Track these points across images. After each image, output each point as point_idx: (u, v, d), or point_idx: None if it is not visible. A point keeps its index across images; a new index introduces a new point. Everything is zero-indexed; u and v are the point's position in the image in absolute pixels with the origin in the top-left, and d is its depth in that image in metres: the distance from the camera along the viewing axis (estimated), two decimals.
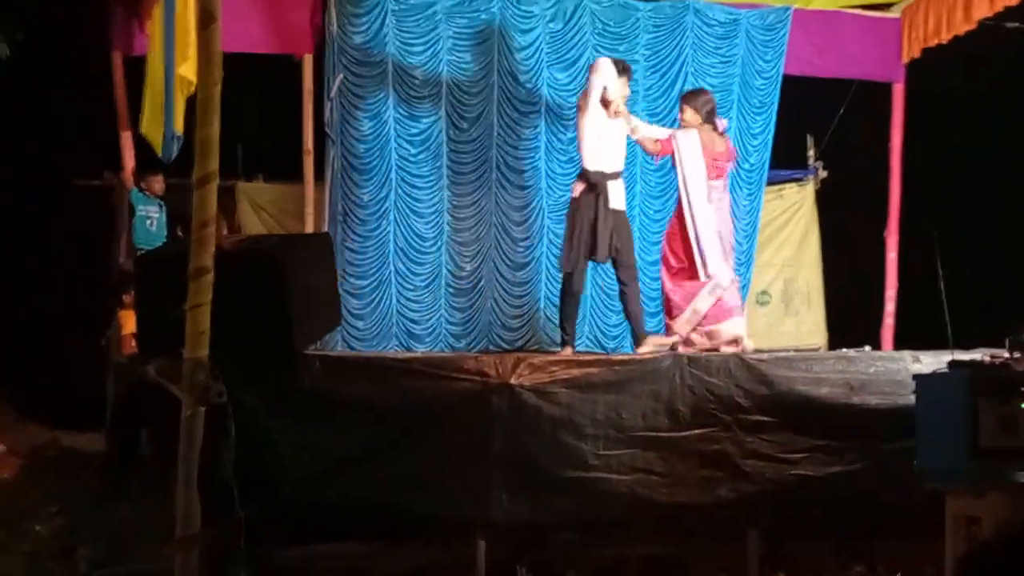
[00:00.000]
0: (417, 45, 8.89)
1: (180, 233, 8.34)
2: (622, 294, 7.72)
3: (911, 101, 9.82)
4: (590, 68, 7.75)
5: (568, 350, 7.42)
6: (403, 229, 8.97)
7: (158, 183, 8.74)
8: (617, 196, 7.53)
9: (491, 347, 9.00)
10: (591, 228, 7.40)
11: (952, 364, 5.23)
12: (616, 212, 7.51)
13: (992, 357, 5.19)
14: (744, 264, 9.65)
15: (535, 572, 5.75)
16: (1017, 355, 5.13)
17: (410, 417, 5.99)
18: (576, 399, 6.09)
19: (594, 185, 7.44)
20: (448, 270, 9.09)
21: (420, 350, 8.74)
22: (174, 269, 5.50)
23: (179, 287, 5.43)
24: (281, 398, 5.89)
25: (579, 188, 7.59)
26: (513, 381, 6.03)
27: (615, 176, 7.55)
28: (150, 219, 8.72)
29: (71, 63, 9.64)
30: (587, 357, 6.61)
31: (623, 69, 7.56)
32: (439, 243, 9.05)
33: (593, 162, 7.49)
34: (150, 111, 7.91)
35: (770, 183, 9.94)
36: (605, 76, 7.41)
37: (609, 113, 7.38)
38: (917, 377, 5.48)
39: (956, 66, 9.64)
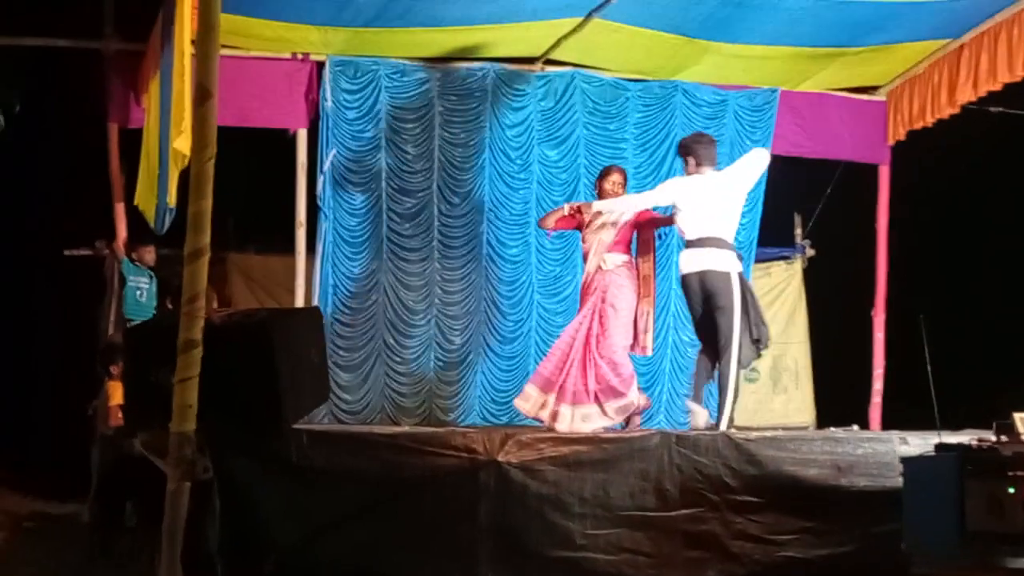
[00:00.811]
0: (410, 122, 9.00)
1: (170, 305, 8.36)
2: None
3: (896, 182, 9.94)
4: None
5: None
6: (393, 302, 9.01)
7: (149, 254, 8.78)
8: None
9: (480, 421, 8.99)
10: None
11: (939, 447, 5.24)
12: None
13: (979, 440, 5.21)
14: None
15: None
16: (1004, 438, 5.15)
17: (397, 493, 5.96)
18: (564, 477, 6.07)
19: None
20: (437, 343, 9.10)
21: (408, 423, 8.71)
22: (163, 342, 5.52)
23: (168, 360, 5.45)
24: (268, 472, 5.86)
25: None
26: (500, 458, 6.02)
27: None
28: (140, 290, 8.74)
29: (68, 134, 9.72)
30: (575, 434, 6.59)
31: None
32: (429, 316, 9.08)
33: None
34: (144, 183, 7.97)
35: (758, 261, 10.01)
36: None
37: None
38: (905, 460, 5.49)
39: (941, 149, 9.77)
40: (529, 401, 7.23)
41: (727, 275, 6.93)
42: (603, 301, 7.25)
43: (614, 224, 7.27)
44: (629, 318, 7.29)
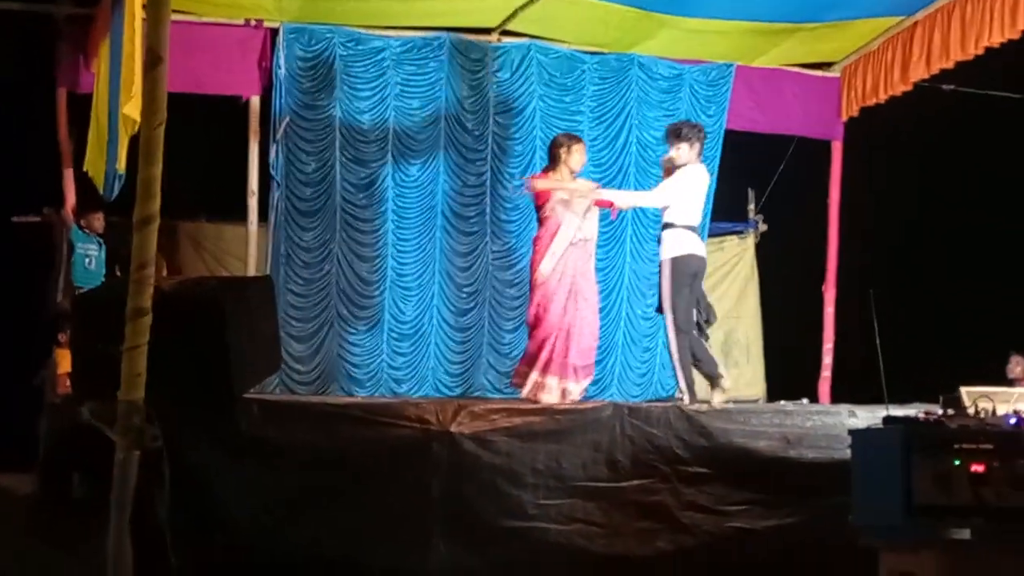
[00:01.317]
0: (364, 90, 8.93)
1: (119, 273, 8.26)
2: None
3: (849, 158, 10.01)
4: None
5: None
6: (346, 272, 8.95)
7: (98, 221, 8.66)
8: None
9: (433, 392, 8.98)
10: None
11: (887, 420, 5.30)
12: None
13: (926, 414, 5.26)
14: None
15: None
16: (950, 411, 5.21)
17: (348, 463, 5.94)
18: (516, 448, 6.08)
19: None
20: (391, 314, 9.07)
21: (361, 394, 8.69)
22: (112, 310, 5.45)
23: (116, 328, 5.38)
24: (218, 442, 5.82)
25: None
26: (453, 429, 6.02)
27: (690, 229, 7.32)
28: (89, 257, 8.63)
29: (15, 98, 9.54)
30: (528, 406, 6.60)
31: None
32: (382, 287, 9.04)
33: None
34: (94, 149, 7.85)
35: (711, 235, 10.05)
36: None
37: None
38: (853, 432, 5.54)
39: (893, 125, 9.85)
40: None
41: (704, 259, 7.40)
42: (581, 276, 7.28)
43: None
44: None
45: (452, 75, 9.11)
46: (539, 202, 7.32)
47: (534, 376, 7.08)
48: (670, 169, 7.38)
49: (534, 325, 7.22)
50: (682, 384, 7.04)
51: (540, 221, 7.32)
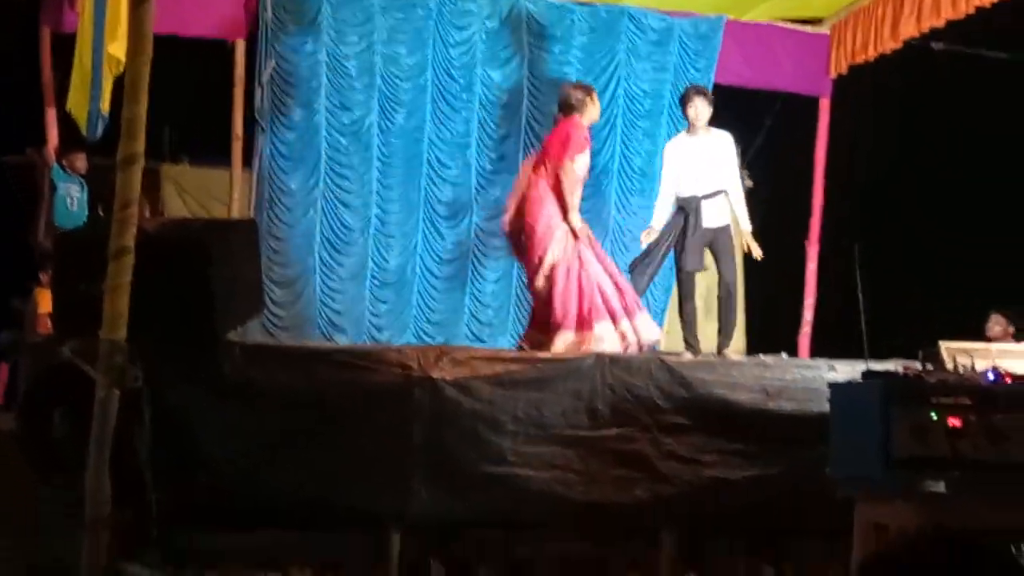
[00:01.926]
0: (352, 35, 8.85)
1: (101, 213, 8.21)
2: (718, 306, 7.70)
3: (836, 115, 10.00)
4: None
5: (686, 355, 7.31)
6: (330, 219, 8.92)
7: (81, 161, 8.60)
8: (712, 215, 7.43)
9: (414, 341, 8.98)
10: (688, 243, 7.39)
11: (866, 374, 5.33)
12: (713, 230, 7.45)
13: (906, 368, 5.30)
14: (668, 269, 9.73)
15: (448, 567, 5.75)
16: (930, 366, 5.24)
17: (329, 407, 5.97)
18: (498, 395, 6.10)
19: (682, 209, 7.45)
20: (374, 262, 9.05)
21: (343, 341, 8.69)
22: (94, 249, 5.43)
23: (98, 267, 5.36)
24: (199, 383, 5.83)
25: (673, 209, 7.55)
26: (435, 374, 6.03)
27: (710, 196, 7.43)
28: (71, 198, 8.57)
29: None
30: (510, 353, 6.62)
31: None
32: (366, 235, 9.01)
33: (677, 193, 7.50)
34: (77, 89, 7.78)
35: None
36: None
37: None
38: (832, 385, 5.58)
39: (882, 83, 9.83)
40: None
41: None
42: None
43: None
44: None
45: (440, 23, 9.03)
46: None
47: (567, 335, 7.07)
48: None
49: (547, 288, 7.18)
50: None
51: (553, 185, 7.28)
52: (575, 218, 7.26)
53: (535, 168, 7.45)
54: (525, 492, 6.03)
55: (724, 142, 7.58)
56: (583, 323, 7.09)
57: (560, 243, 7.18)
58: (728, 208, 7.54)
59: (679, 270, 7.58)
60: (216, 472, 5.78)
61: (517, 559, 6.03)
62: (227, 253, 5.94)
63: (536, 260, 7.25)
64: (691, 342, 7.52)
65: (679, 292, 7.76)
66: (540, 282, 7.23)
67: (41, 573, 5.51)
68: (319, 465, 5.88)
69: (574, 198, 7.26)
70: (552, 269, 7.17)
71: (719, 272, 7.53)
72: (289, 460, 5.87)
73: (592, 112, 7.43)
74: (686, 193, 7.44)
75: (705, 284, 10.62)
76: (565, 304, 7.11)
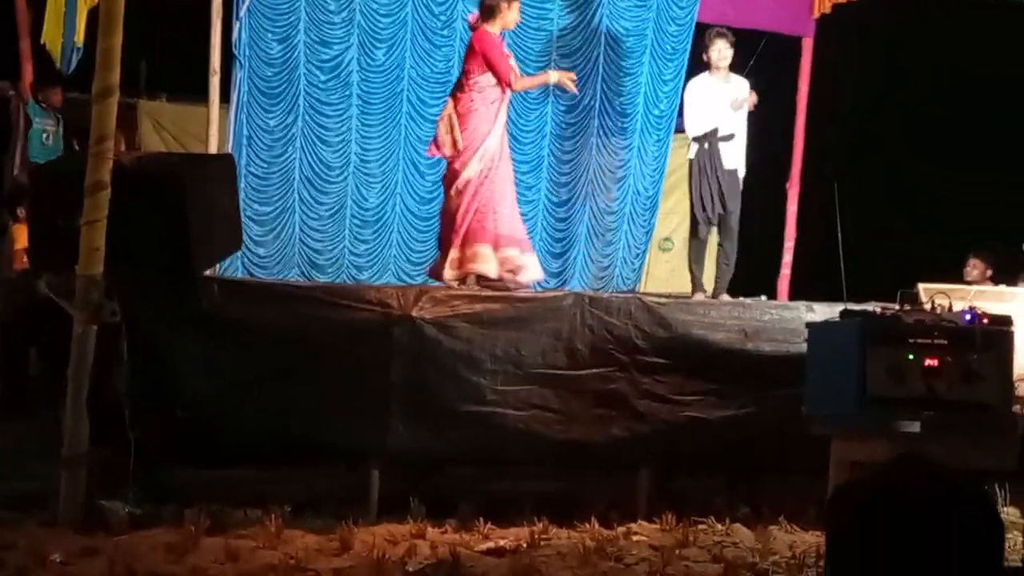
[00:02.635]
0: None
1: (77, 148, 8.13)
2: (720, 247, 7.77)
3: (819, 55, 9.94)
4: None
5: (699, 295, 7.45)
6: (309, 157, 8.85)
7: (56, 95, 8.50)
8: (731, 157, 7.53)
9: (394, 280, 8.96)
10: (708, 189, 7.49)
11: (844, 314, 5.35)
12: (729, 171, 7.53)
13: (884, 308, 5.32)
14: (649, 210, 9.73)
15: (428, 503, 5.78)
16: (907, 307, 5.27)
17: (309, 344, 5.95)
18: (477, 334, 6.10)
19: (707, 142, 7.50)
20: (354, 200, 9.00)
21: (322, 280, 8.66)
22: (70, 184, 5.39)
23: (75, 202, 5.32)
24: (177, 319, 5.80)
25: (694, 148, 7.59)
26: (415, 313, 6.02)
27: (726, 138, 7.53)
28: (46, 132, 8.48)
29: None
30: (489, 293, 6.61)
31: None
32: (345, 173, 8.95)
33: (699, 128, 7.53)
34: (52, 21, 7.66)
35: (678, 131, 10.00)
36: None
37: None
38: (809, 325, 5.60)
39: (865, 22, 9.78)
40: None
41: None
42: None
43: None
44: None
45: None
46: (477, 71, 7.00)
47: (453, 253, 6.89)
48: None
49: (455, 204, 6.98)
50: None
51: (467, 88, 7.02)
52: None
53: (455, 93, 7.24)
54: (503, 430, 6.05)
55: (743, 88, 7.69)
56: (468, 240, 6.93)
57: (477, 162, 6.98)
58: (739, 152, 7.62)
59: (708, 222, 7.66)
60: (195, 408, 5.78)
61: (496, 496, 6.06)
62: (204, 188, 5.89)
63: (451, 174, 7.09)
64: (697, 278, 7.67)
65: (692, 231, 7.84)
66: (451, 193, 7.05)
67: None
68: (299, 402, 5.88)
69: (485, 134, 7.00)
70: (465, 184, 6.98)
71: (729, 214, 7.59)
72: (267, 396, 5.87)
73: (511, 17, 7.12)
74: (708, 129, 7.52)
75: (687, 226, 10.65)
76: (462, 219, 6.94)
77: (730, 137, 7.54)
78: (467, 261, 6.89)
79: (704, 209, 7.58)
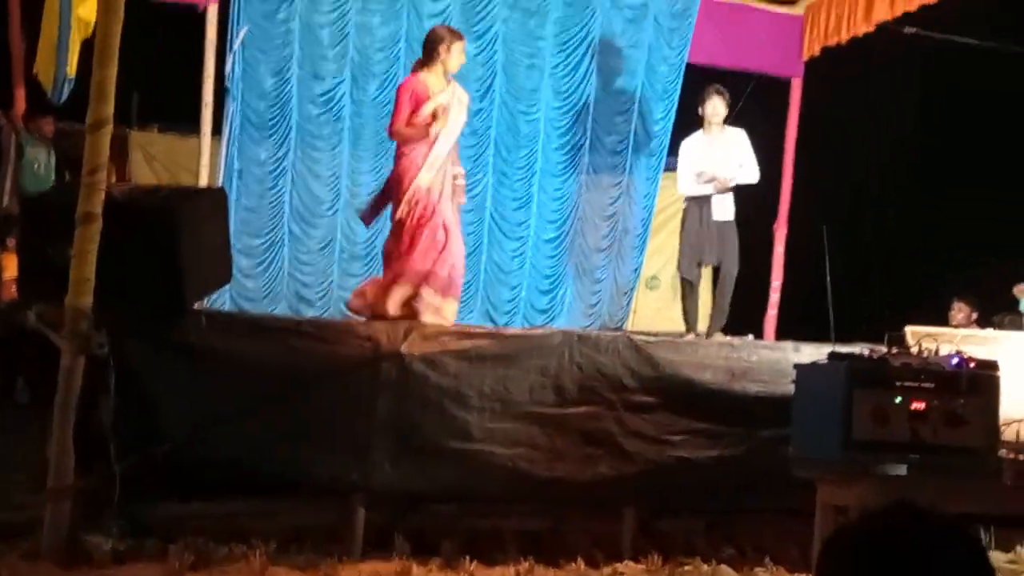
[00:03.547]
0: (325, 4, 8.78)
1: (68, 178, 8.14)
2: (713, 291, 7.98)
3: (808, 96, 10.03)
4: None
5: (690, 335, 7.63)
6: (300, 190, 8.88)
7: (48, 125, 8.52)
8: (721, 209, 7.69)
9: None
10: (697, 236, 7.66)
11: (831, 356, 5.37)
12: (720, 223, 7.69)
13: (871, 351, 5.34)
14: (637, 248, 9.77)
15: (413, 540, 5.76)
16: (895, 350, 5.28)
17: (297, 379, 5.93)
18: (465, 370, 6.09)
19: (698, 198, 7.67)
20: (344, 235, 9.02)
21: (310, 314, 8.66)
22: (61, 214, 5.38)
23: (65, 233, 5.32)
24: (165, 352, 5.79)
25: (686, 201, 7.81)
26: (403, 349, 6.01)
27: (720, 193, 7.68)
28: (38, 162, 8.49)
29: None
30: (478, 329, 6.61)
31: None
32: (336, 207, 8.98)
33: (692, 188, 7.72)
34: (45, 51, 7.69)
35: (667, 170, 10.06)
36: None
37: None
38: (797, 366, 5.61)
39: (854, 65, 9.87)
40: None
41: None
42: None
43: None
44: None
45: None
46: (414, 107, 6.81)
47: (402, 291, 6.74)
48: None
49: (410, 239, 6.79)
50: None
51: (412, 125, 6.80)
52: (422, 177, 6.80)
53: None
54: (490, 467, 6.03)
55: (739, 139, 7.85)
56: (396, 278, 6.81)
57: (405, 204, 6.79)
58: (733, 204, 7.79)
59: (697, 264, 7.85)
60: (181, 441, 5.74)
61: (481, 534, 6.04)
62: (195, 221, 5.89)
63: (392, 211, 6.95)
64: (691, 321, 7.87)
65: (683, 280, 8.02)
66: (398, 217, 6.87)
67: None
68: (285, 437, 5.86)
69: (427, 154, 6.81)
70: (396, 223, 6.84)
71: (722, 262, 7.77)
72: (255, 431, 5.84)
73: (453, 61, 6.89)
74: (698, 193, 7.70)
75: (675, 264, 10.69)
76: (417, 257, 6.77)
77: (723, 192, 7.70)
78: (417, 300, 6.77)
79: (698, 262, 7.74)
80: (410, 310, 6.75)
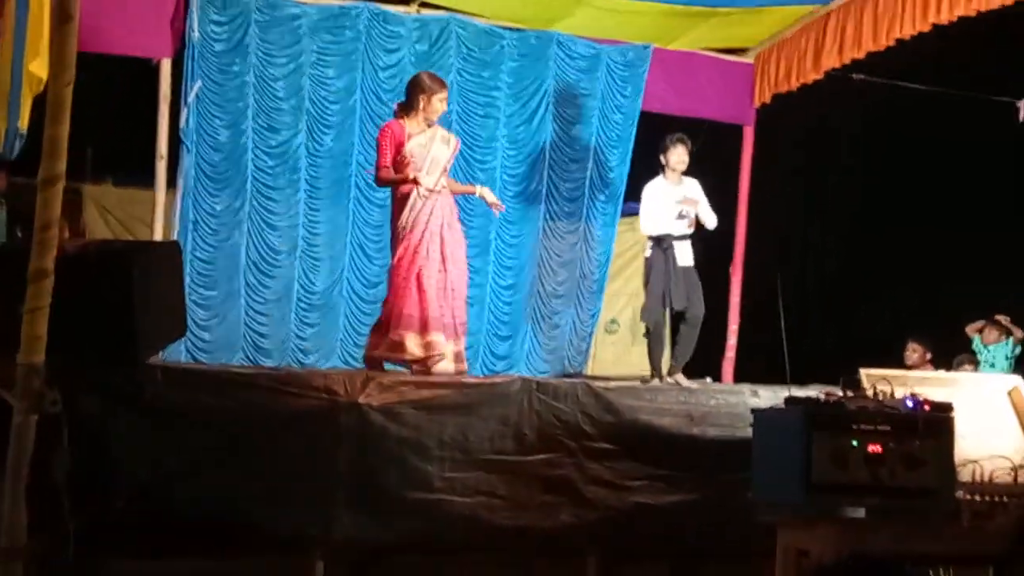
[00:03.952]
0: (280, 57, 8.80)
1: (20, 234, 8.06)
2: (675, 332, 7.97)
3: (760, 143, 10.15)
4: None
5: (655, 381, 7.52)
6: (256, 241, 8.84)
7: (1, 180, 8.43)
8: (683, 255, 7.74)
9: (340, 365, 8.92)
10: (663, 281, 7.65)
11: (788, 400, 5.40)
12: (685, 268, 7.73)
13: (827, 394, 5.37)
14: (595, 293, 9.81)
15: None
16: (851, 393, 5.32)
17: (254, 432, 5.90)
18: (424, 420, 6.08)
19: (661, 243, 7.71)
20: (300, 284, 8.99)
21: (268, 364, 8.60)
22: (12, 270, 5.32)
23: (17, 289, 5.25)
24: (120, 407, 5.73)
25: (649, 247, 7.82)
26: (362, 400, 6.00)
27: (682, 238, 7.75)
28: None
29: None
30: (437, 379, 6.60)
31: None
32: (292, 257, 8.94)
33: (655, 230, 7.76)
34: None
35: (624, 215, 10.14)
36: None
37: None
38: (755, 411, 5.64)
39: (805, 112, 10.01)
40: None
41: None
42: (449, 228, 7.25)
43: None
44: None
45: (369, 46, 9.02)
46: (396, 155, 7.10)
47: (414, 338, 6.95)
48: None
49: (401, 284, 7.05)
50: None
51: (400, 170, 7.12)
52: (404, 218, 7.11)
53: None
54: (450, 517, 6.01)
55: (695, 187, 7.97)
56: (392, 324, 7.04)
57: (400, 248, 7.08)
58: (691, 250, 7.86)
59: (664, 309, 7.85)
60: (136, 497, 5.68)
61: None
62: (149, 274, 5.84)
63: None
64: (657, 370, 7.78)
65: (647, 327, 7.96)
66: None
67: None
68: (242, 491, 5.81)
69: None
70: (392, 268, 7.14)
71: (687, 306, 7.75)
72: (211, 484, 5.79)
73: (434, 109, 7.15)
74: (661, 232, 7.74)
75: (632, 308, 10.76)
76: (389, 304, 7.11)
77: (684, 237, 7.75)
78: (389, 347, 6.99)
79: (661, 304, 7.73)
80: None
